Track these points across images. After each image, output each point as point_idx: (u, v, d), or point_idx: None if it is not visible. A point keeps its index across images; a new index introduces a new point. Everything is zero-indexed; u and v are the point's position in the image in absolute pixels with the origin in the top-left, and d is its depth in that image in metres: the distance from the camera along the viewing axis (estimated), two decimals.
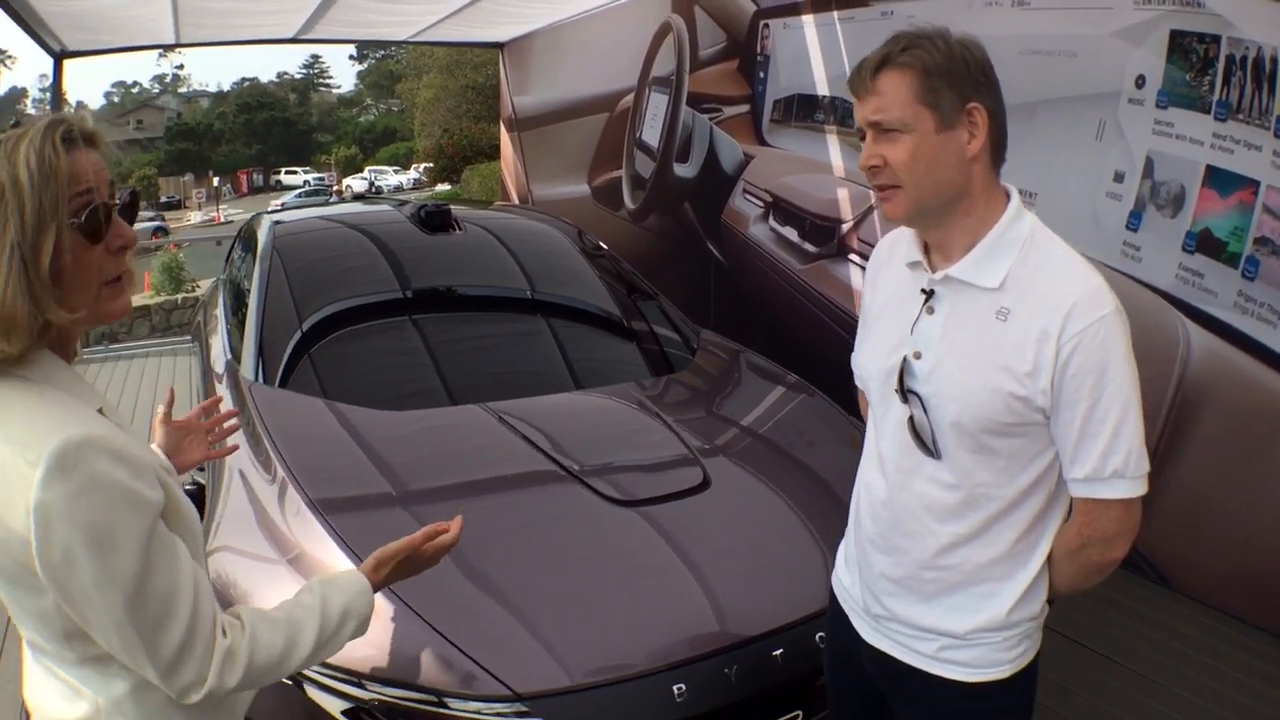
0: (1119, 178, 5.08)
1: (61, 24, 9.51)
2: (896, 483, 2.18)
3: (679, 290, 9.18)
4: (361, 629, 1.95)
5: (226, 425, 2.56)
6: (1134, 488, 1.96)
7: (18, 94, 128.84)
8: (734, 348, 5.31)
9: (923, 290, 2.11)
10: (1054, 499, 2.08)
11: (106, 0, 8.73)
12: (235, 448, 2.56)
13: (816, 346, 7.43)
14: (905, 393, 2.11)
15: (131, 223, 1.68)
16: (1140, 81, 4.90)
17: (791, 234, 7.82)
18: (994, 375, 1.96)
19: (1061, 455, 2.00)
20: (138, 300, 16.18)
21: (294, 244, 5.37)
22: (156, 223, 53.02)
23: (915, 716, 2.30)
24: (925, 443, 2.09)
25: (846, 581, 2.44)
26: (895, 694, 2.32)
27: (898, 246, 2.25)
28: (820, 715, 2.98)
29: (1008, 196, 2.05)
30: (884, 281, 2.30)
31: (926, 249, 2.13)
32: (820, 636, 2.95)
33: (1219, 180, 4.63)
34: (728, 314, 8.87)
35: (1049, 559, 2.12)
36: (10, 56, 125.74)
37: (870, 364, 2.25)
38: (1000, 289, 1.98)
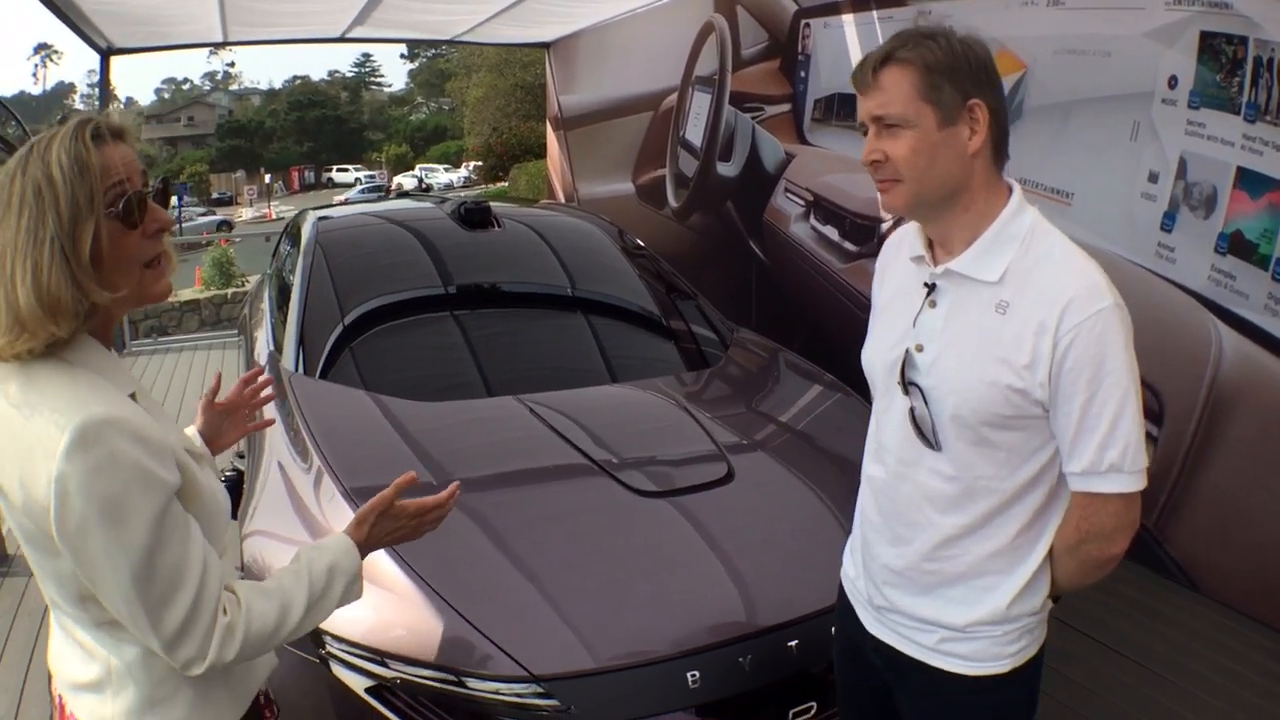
0: (1154, 178, 5.07)
1: (107, 21, 9.61)
2: (898, 474, 2.21)
3: (721, 289, 9.22)
4: (353, 587, 1.99)
5: (263, 395, 2.61)
6: (1131, 482, 1.96)
7: (65, 89, 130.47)
8: (771, 346, 5.36)
9: (925, 284, 2.14)
10: (1055, 494, 2.09)
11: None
12: (270, 421, 2.62)
13: (856, 346, 7.43)
14: (907, 385, 2.15)
15: (165, 208, 1.78)
16: (1173, 82, 4.89)
17: (832, 233, 7.84)
18: (992, 368, 1.98)
19: (1060, 449, 2.01)
20: (188, 294, 16.38)
21: (337, 239, 5.50)
22: (218, 218, 53.72)
23: (918, 709, 2.33)
24: (925, 435, 2.12)
25: (852, 573, 2.49)
26: (899, 686, 2.35)
27: (904, 242, 2.29)
28: (835, 708, 3.03)
29: (1010, 192, 2.07)
30: (891, 276, 2.34)
31: (931, 244, 2.16)
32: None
33: (1249, 182, 4.61)
34: (769, 313, 8.91)
35: (1050, 554, 2.13)
36: (57, 52, 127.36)
37: (875, 357, 2.29)
38: (1000, 283, 2.00)
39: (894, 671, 2.33)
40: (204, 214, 55.02)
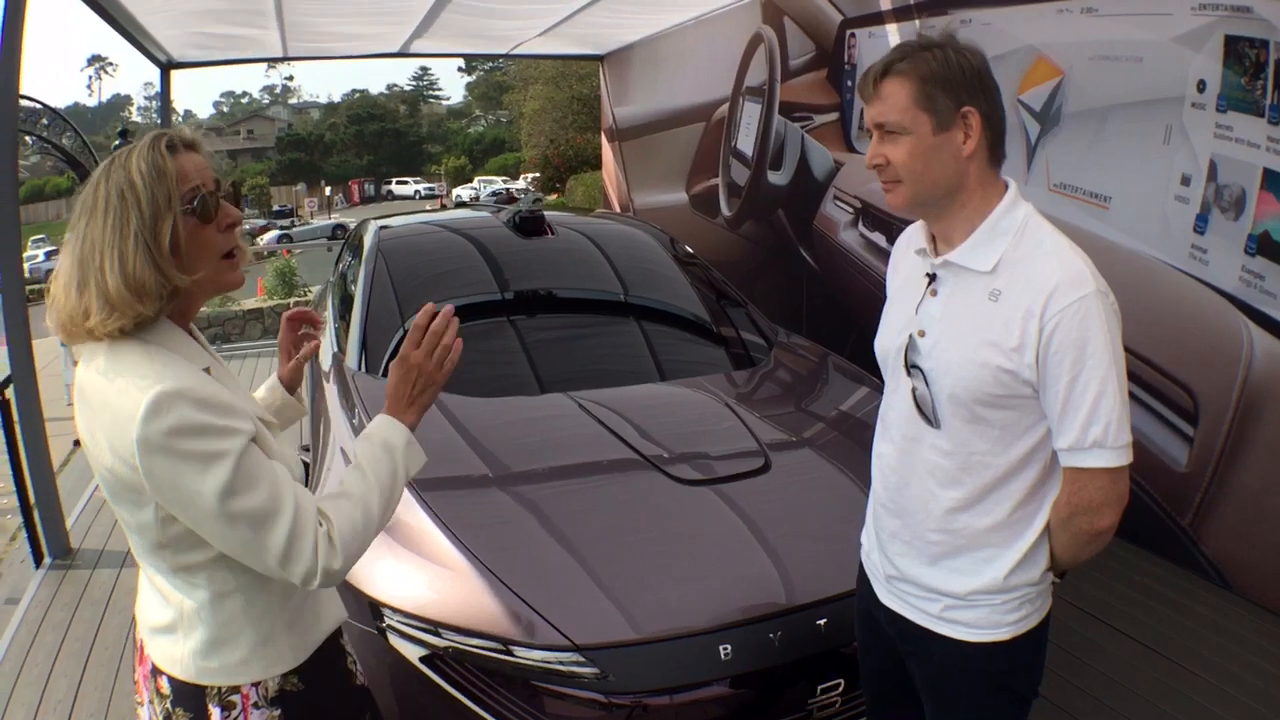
0: (1186, 181, 5.14)
1: (167, 36, 9.80)
2: (903, 450, 2.39)
3: (774, 295, 9.32)
4: (412, 451, 2.15)
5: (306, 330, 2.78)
6: (1115, 457, 2.10)
7: (122, 101, 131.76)
8: (819, 350, 5.54)
9: (926, 274, 2.32)
10: (1050, 471, 2.24)
11: (212, 17, 9.00)
12: (316, 342, 2.77)
13: None
14: (910, 367, 2.32)
15: (236, 207, 2.03)
16: (1201, 86, 4.97)
17: (880, 239, 7.94)
18: (984, 350, 2.15)
19: (1051, 428, 2.17)
20: (251, 304, 16.66)
21: (397, 246, 5.72)
22: (280, 232, 54.29)
23: (927, 676, 2.48)
24: (926, 413, 2.30)
25: (867, 546, 2.68)
26: (910, 655, 2.51)
27: (912, 237, 2.48)
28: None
29: (1007, 188, 2.24)
30: (900, 269, 2.53)
31: (933, 238, 2.34)
32: None
33: (1275, 183, 4.68)
34: (820, 318, 9.03)
35: (1048, 529, 2.27)
36: (111, 64, 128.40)
37: (885, 342, 2.47)
38: (993, 272, 2.17)
39: (905, 640, 2.49)
40: (263, 226, 55.68)
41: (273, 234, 54.12)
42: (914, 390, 2.32)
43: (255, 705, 2.06)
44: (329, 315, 6.02)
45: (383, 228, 6.08)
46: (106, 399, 1.84)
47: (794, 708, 3.16)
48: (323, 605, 2.25)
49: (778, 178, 9.58)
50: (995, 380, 2.14)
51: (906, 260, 2.48)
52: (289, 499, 1.88)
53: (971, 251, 2.22)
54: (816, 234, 8.95)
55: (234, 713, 2.05)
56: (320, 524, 1.93)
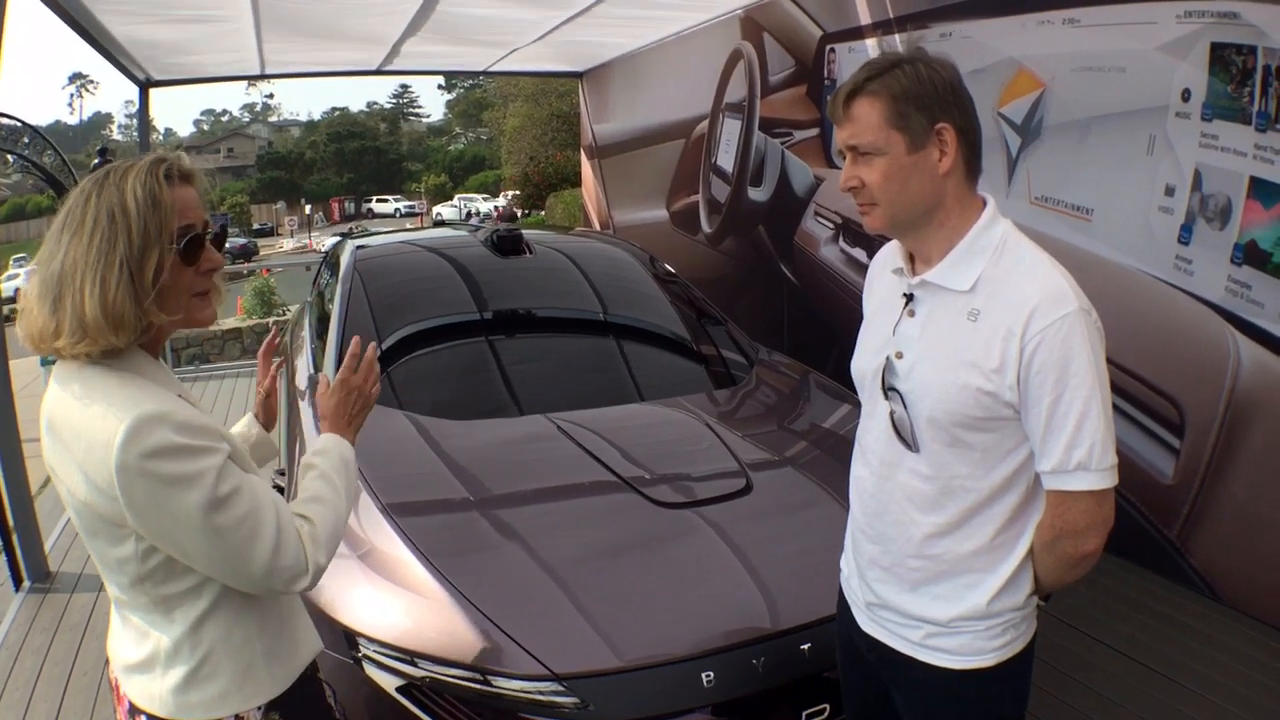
0: (1170, 191, 5.11)
1: (145, 54, 9.76)
2: (881, 474, 2.32)
3: (755, 312, 9.29)
4: (350, 458, 2.26)
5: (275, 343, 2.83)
6: (1099, 480, 2.04)
7: (102, 119, 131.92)
8: (800, 367, 5.49)
9: (904, 294, 2.26)
10: (1033, 495, 2.18)
11: (189, 33, 8.95)
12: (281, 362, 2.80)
13: None
14: (887, 390, 2.26)
15: (220, 250, 2.01)
16: (1186, 95, 4.95)
17: (861, 255, 7.91)
18: (963, 372, 2.08)
19: (1034, 450, 2.11)
20: (230, 323, 16.65)
21: (374, 266, 5.65)
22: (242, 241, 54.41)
23: (910, 704, 2.42)
24: (904, 437, 2.23)
25: (846, 572, 2.61)
26: (892, 682, 2.44)
27: (888, 256, 2.41)
28: None
29: (984, 205, 2.18)
30: (876, 289, 2.46)
31: (911, 257, 2.27)
32: None
33: (1262, 191, 4.66)
34: (801, 334, 8.99)
35: (1031, 553, 2.21)
36: (92, 82, 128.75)
37: (862, 365, 2.41)
38: (971, 291, 2.11)
39: (887, 668, 2.43)
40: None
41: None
42: (892, 413, 2.26)
43: None
44: (306, 335, 5.94)
45: (359, 247, 6.01)
46: (79, 428, 1.80)
47: None
48: (300, 635, 2.21)
49: (758, 194, 9.54)
50: (975, 402, 2.09)
51: (883, 280, 2.43)
52: (270, 506, 1.89)
53: (949, 270, 2.16)
54: (797, 250, 8.92)
55: None
56: (301, 526, 1.95)
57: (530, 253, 5.73)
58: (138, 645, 2.01)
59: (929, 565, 2.25)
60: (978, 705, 2.31)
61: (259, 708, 2.05)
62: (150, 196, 1.81)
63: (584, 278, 5.69)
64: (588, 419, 4.36)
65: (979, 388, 2.07)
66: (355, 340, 2.39)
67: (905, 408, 2.21)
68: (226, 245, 2.13)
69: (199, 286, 1.95)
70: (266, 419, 2.67)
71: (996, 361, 2.04)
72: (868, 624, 2.46)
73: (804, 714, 3.09)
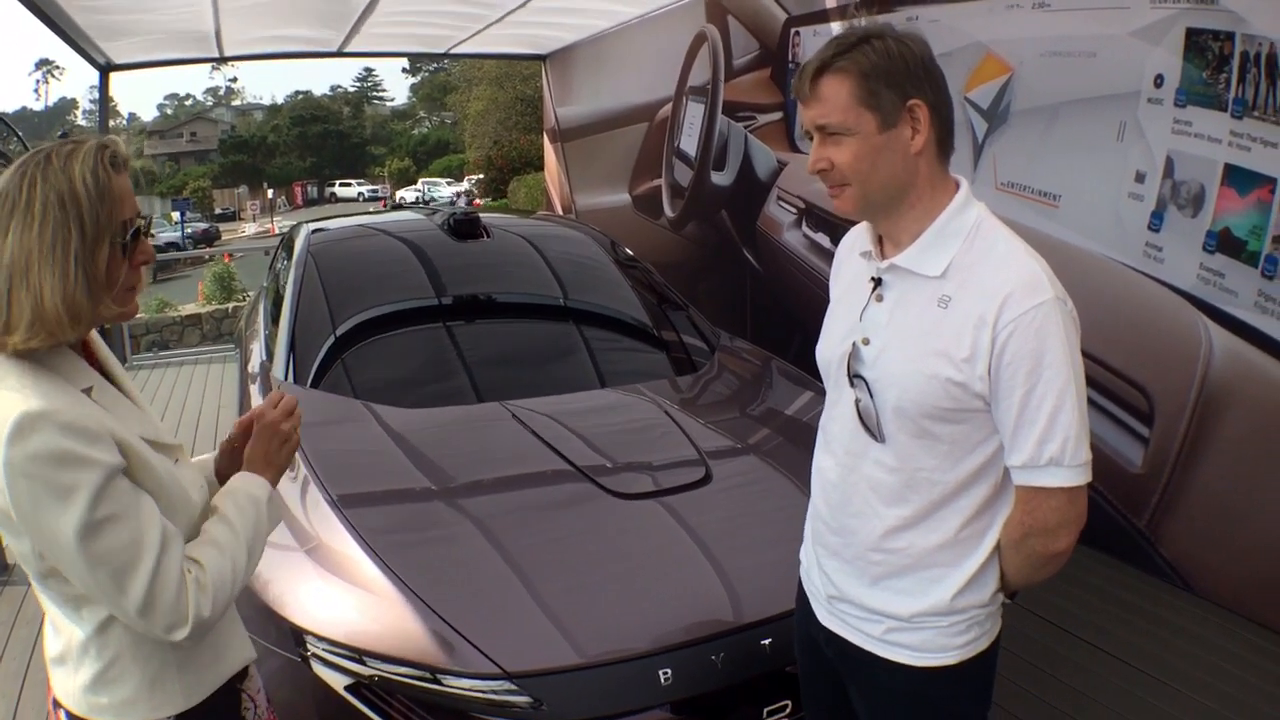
0: (1140, 178, 5.06)
1: (105, 37, 9.66)
2: (846, 465, 2.22)
3: (717, 297, 9.23)
4: (274, 508, 2.10)
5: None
6: (1072, 476, 1.96)
7: (68, 105, 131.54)
8: (762, 354, 5.40)
9: (872, 279, 2.15)
10: (1001, 489, 2.09)
11: (147, 13, 8.84)
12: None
13: None
14: (853, 378, 2.16)
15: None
16: (1159, 81, 4.89)
17: (824, 240, 7.85)
18: (932, 361, 1.99)
19: (1004, 443, 2.02)
20: (190, 309, 16.51)
21: (328, 250, 5.55)
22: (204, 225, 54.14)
23: (868, 701, 2.33)
24: (869, 427, 2.13)
25: (805, 564, 2.50)
26: (850, 678, 2.35)
27: (857, 239, 2.31)
28: None
29: (958, 187, 2.08)
30: (844, 272, 2.35)
31: (880, 240, 2.17)
32: None
33: (1238, 178, 4.61)
34: (763, 320, 8.93)
35: (999, 548, 2.13)
36: (58, 68, 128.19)
37: (827, 350, 2.30)
38: (942, 277, 2.01)
39: (845, 663, 2.34)
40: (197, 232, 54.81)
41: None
42: (857, 402, 2.15)
43: None
44: (260, 322, 5.82)
45: (315, 230, 5.89)
46: None
47: None
48: (224, 644, 2.09)
49: (721, 178, 9.47)
50: (944, 393, 1.99)
51: (850, 263, 2.32)
52: (153, 544, 1.75)
53: (920, 255, 2.06)
54: (760, 235, 8.86)
55: None
56: (189, 570, 1.80)
57: (488, 236, 5.63)
58: (55, 638, 1.96)
59: (891, 559, 2.15)
60: (938, 704, 2.22)
61: (167, 719, 1.95)
62: (100, 185, 1.75)
63: (543, 261, 5.60)
64: (546, 406, 4.26)
65: (948, 378, 1.98)
66: (274, 394, 2.25)
67: (871, 396, 2.11)
68: (189, 230, 2.01)
69: (130, 281, 1.86)
70: (225, 473, 2.36)
71: (967, 351, 1.95)
72: (827, 618, 2.36)
73: (765, 711, 3.00)
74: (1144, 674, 4.40)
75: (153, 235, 1.93)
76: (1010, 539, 2.08)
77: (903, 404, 2.04)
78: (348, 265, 5.46)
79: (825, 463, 2.33)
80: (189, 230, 48.98)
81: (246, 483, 2.07)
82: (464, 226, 5.61)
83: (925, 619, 2.14)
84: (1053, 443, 1.93)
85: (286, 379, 4.53)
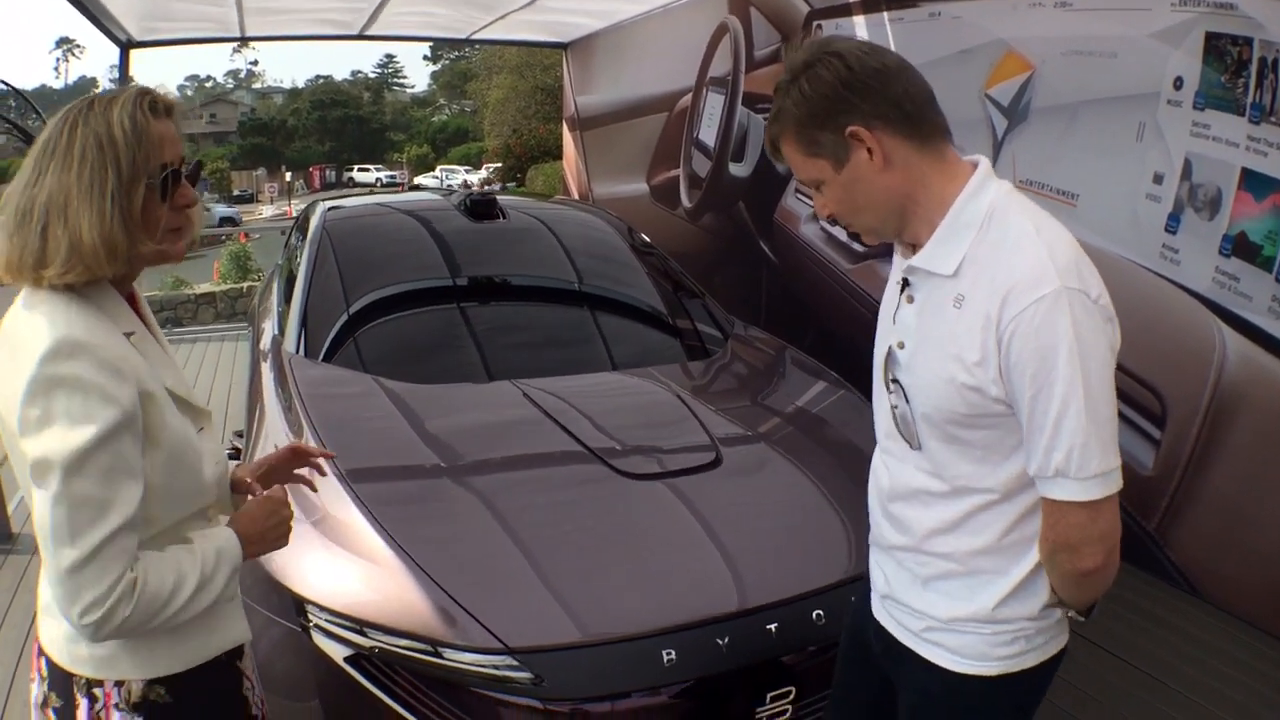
0: (1158, 179, 5.01)
1: (126, 14, 9.63)
2: (890, 468, 2.18)
3: (733, 289, 9.19)
4: (234, 580, 2.00)
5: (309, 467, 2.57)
6: (1081, 490, 1.82)
7: (87, 83, 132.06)
8: (776, 342, 5.39)
9: (901, 278, 2.08)
10: None
11: None
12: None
13: (863, 346, 7.40)
14: (890, 382, 2.11)
15: (194, 185, 1.97)
16: (1178, 83, 4.84)
17: (841, 233, 7.78)
18: (948, 365, 1.90)
19: None
20: (205, 287, 16.48)
21: (343, 227, 5.54)
22: (229, 211, 53.85)
23: (907, 701, 2.27)
24: (904, 433, 2.08)
25: (871, 556, 2.41)
26: (895, 675, 2.30)
27: None
28: (817, 696, 3.03)
29: (976, 169, 1.96)
30: (892, 271, 2.24)
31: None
32: (817, 614, 3.04)
33: (1254, 183, 4.56)
34: (778, 313, 8.87)
35: None
36: (79, 46, 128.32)
37: (875, 353, 2.22)
38: (956, 275, 1.91)
39: (889, 658, 2.29)
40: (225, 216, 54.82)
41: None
42: (894, 408, 2.11)
43: (116, 706, 1.94)
44: (274, 299, 5.82)
45: (331, 208, 5.89)
46: (16, 341, 1.77)
47: (742, 716, 2.98)
48: (219, 621, 2.07)
49: (739, 169, 9.42)
50: (960, 399, 1.91)
51: (896, 259, 2.20)
52: (119, 517, 1.75)
53: (933, 253, 1.95)
54: (777, 227, 8.81)
55: (97, 707, 1.93)
56: (133, 568, 1.78)
57: (504, 217, 5.63)
58: (46, 585, 1.95)
59: (937, 562, 2.08)
60: (971, 714, 2.16)
61: (144, 681, 1.95)
62: (137, 129, 1.80)
63: (558, 243, 5.59)
64: (556, 386, 4.25)
65: (963, 383, 1.88)
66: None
67: (907, 402, 2.05)
68: (212, 207, 2.03)
69: (173, 223, 1.92)
70: (241, 486, 2.33)
71: (978, 354, 1.85)
72: (879, 610, 2.32)
73: (768, 696, 2.98)
74: (1148, 676, 4.38)
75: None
76: (1042, 554, 1.98)
77: (928, 410, 1.98)
78: (362, 242, 5.46)
79: (876, 463, 2.28)
80: (210, 209, 49.31)
81: (230, 540, 2.00)
82: (480, 207, 5.61)
83: (965, 624, 2.06)
84: (1058, 452, 1.80)
85: (298, 353, 4.52)
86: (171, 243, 1.92)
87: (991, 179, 1.95)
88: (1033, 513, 1.97)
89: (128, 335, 1.87)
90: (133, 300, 2.00)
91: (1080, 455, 1.79)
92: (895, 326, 2.09)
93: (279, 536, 2.14)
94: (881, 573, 2.29)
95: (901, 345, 2.06)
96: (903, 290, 2.07)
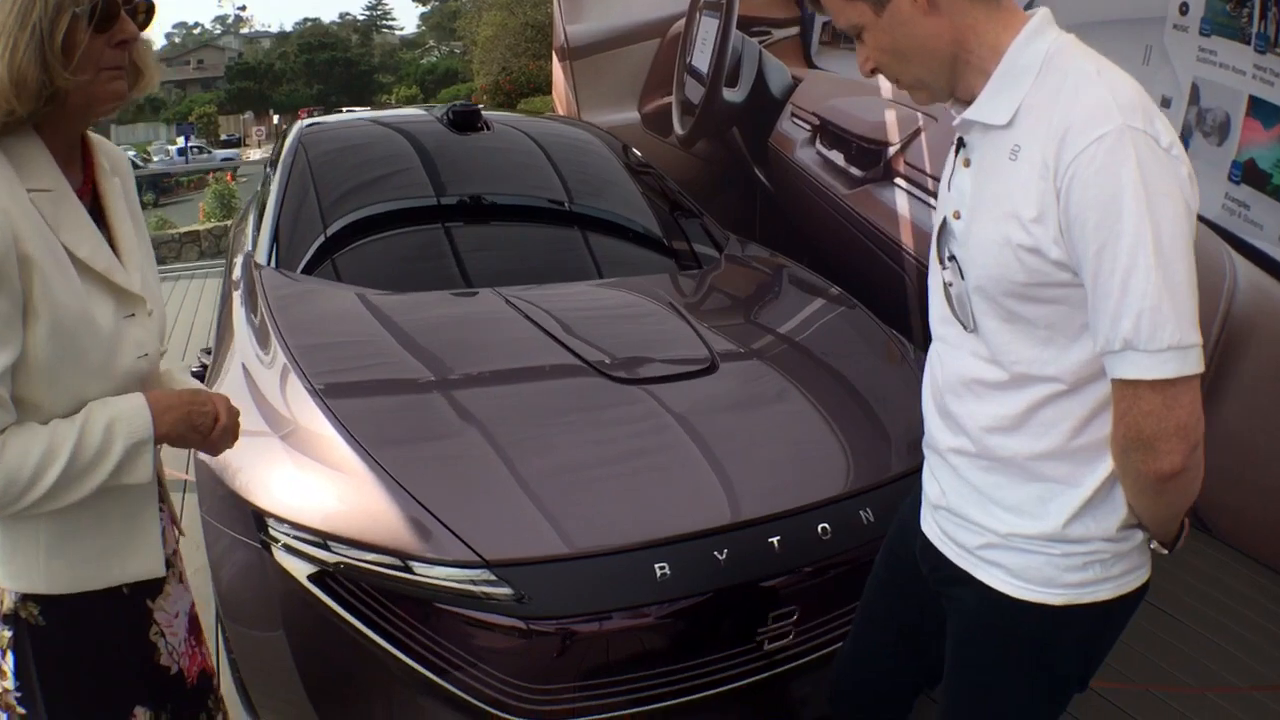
0: (1166, 103, 4.89)
1: None
2: (943, 355, 1.97)
3: (726, 215, 9.03)
4: (137, 452, 1.78)
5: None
6: (1154, 366, 1.56)
7: None
8: (778, 260, 5.22)
9: (957, 139, 1.87)
10: None
11: None
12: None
13: (861, 271, 7.31)
14: (945, 258, 1.89)
15: (142, 29, 1.82)
16: (1184, 8, 4.76)
17: (838, 158, 7.65)
18: (1003, 226, 1.69)
19: None
20: (188, 226, 16.30)
21: (319, 139, 5.36)
22: (230, 153, 54.32)
23: (954, 628, 2.04)
24: (958, 314, 1.87)
25: (924, 467, 2.18)
26: (942, 600, 2.08)
27: None
28: (823, 618, 2.87)
29: (1030, 18, 1.75)
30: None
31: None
32: (823, 528, 2.83)
33: (1262, 111, 4.46)
34: (773, 239, 8.63)
35: None
36: None
37: (933, 229, 1.99)
38: (1011, 124, 1.70)
39: (939, 581, 2.06)
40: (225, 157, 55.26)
41: None
42: (948, 285, 1.88)
43: None
44: (249, 224, 5.62)
45: (309, 125, 5.72)
46: None
47: (742, 638, 2.76)
48: (118, 544, 1.89)
49: (733, 95, 9.23)
50: (1019, 264, 1.68)
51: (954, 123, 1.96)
52: None
53: (988, 102, 1.74)
54: (772, 152, 8.64)
55: None
56: None
57: (488, 129, 5.46)
58: None
59: (997, 466, 1.85)
60: (1030, 649, 1.91)
61: (17, 594, 1.80)
62: None
63: (544, 155, 5.43)
64: (541, 294, 4.06)
65: (1019, 244, 1.67)
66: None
67: (962, 277, 1.82)
68: (212, 152, 1.85)
69: (110, 61, 1.75)
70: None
71: (1035, 209, 1.64)
72: (926, 522, 2.11)
73: (770, 616, 2.77)
74: (1157, 610, 4.29)
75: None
76: (1114, 456, 1.73)
77: (982, 281, 1.75)
78: (338, 153, 5.26)
79: (931, 354, 2.05)
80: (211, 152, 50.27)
81: (134, 409, 1.79)
82: (463, 118, 5.43)
83: (1030, 541, 1.83)
84: (1126, 319, 1.56)
85: (269, 264, 4.32)
86: (108, 80, 1.76)
87: (1050, 25, 1.76)
88: (1106, 409, 1.73)
89: (38, 191, 1.71)
90: (87, 157, 1.90)
91: (1151, 321, 1.55)
92: (950, 194, 1.88)
93: (196, 438, 1.95)
94: (935, 481, 2.05)
95: (957, 215, 1.85)
96: (957, 153, 1.87)
